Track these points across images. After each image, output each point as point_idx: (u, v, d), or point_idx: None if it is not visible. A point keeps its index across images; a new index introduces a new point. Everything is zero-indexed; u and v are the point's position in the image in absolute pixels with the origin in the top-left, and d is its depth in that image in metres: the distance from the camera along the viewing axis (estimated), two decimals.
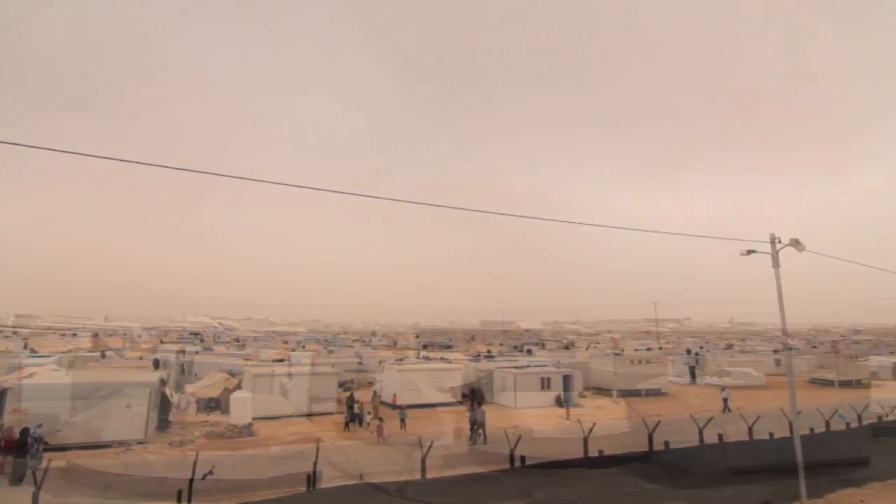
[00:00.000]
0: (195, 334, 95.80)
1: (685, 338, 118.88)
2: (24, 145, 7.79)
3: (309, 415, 25.51)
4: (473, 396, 28.64)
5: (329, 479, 14.68)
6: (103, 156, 10.76)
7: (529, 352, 60.57)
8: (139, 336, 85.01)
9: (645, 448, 18.74)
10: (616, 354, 40.55)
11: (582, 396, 33.48)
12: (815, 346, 76.01)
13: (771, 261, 14.53)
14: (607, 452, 17.73)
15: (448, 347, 77.48)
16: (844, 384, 40.66)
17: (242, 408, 22.83)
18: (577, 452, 17.83)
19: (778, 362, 48.14)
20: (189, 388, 29.66)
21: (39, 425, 16.51)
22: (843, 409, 25.10)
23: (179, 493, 12.25)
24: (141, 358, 38.91)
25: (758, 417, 22.46)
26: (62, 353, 40.61)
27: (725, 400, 29.59)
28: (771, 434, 21.08)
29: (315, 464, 14.33)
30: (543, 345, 76.28)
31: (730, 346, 75.66)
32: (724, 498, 14.04)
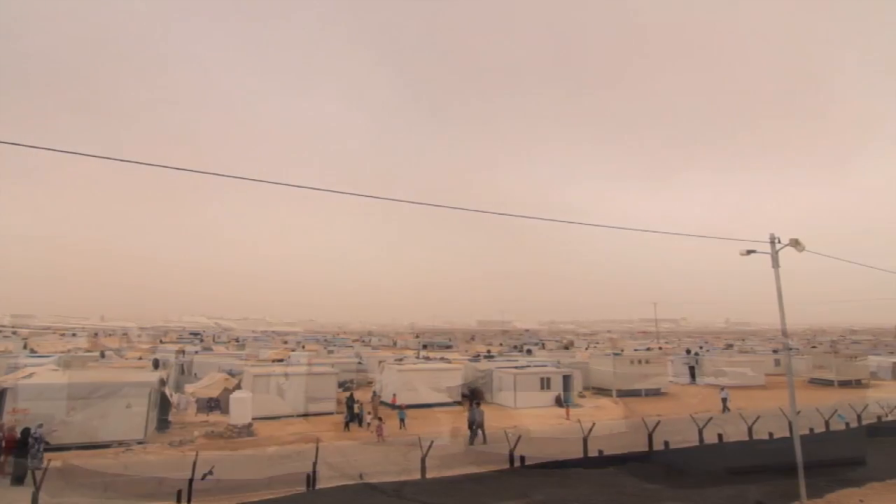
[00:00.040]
0: (195, 334, 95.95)
1: (682, 338, 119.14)
2: (24, 145, 7.81)
3: (309, 415, 25.53)
4: (472, 396, 28.67)
5: (328, 479, 14.69)
6: (103, 156, 10.77)
7: (529, 352, 60.57)
8: (138, 336, 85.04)
9: (645, 448, 18.76)
10: (616, 354, 40.55)
11: (581, 396, 33.51)
12: (814, 346, 76.23)
13: (770, 261, 14.55)
14: (607, 452, 17.73)
15: (448, 347, 77.65)
16: (844, 384, 40.77)
17: (242, 408, 22.80)
18: (576, 452, 17.83)
19: (777, 362, 48.25)
20: (189, 388, 29.64)
21: (40, 425, 16.53)
22: (842, 410, 25.16)
23: (179, 493, 12.27)
24: (140, 358, 38.94)
25: (757, 417, 22.49)
26: (61, 353, 40.61)
27: (725, 400, 29.65)
28: (770, 434, 21.10)
29: (314, 464, 14.34)
30: (543, 345, 76.36)
31: (729, 346, 75.83)
32: (723, 498, 14.06)
